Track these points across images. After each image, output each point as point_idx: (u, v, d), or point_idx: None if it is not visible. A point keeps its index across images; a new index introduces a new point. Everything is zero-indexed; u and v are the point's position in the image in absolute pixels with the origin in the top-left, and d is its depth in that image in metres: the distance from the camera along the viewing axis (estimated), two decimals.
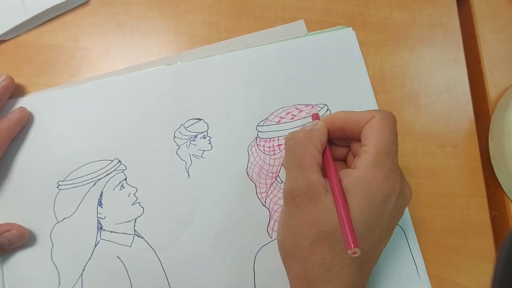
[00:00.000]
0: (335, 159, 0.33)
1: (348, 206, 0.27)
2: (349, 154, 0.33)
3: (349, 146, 0.33)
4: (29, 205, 0.34)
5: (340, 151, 0.33)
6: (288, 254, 0.29)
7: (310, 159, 0.29)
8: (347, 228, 0.26)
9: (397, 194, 0.28)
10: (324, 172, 0.30)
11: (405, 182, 0.30)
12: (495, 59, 0.42)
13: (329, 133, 0.32)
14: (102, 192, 0.35)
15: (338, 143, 0.33)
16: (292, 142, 0.31)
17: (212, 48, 0.39)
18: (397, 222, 0.30)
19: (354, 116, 0.31)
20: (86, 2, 0.40)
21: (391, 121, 0.30)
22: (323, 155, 0.31)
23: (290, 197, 0.29)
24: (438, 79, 0.41)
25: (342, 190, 0.28)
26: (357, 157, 0.29)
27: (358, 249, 0.25)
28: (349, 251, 0.25)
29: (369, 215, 0.27)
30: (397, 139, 0.30)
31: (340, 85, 0.39)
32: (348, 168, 0.30)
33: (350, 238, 0.25)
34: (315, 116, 0.35)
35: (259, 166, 0.36)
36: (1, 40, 0.38)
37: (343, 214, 0.26)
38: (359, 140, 0.30)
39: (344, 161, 0.34)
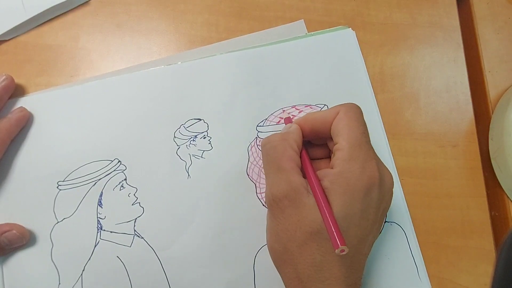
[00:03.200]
0: (317, 158, 0.33)
1: (330, 205, 0.27)
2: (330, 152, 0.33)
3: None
4: (29, 205, 0.34)
5: (322, 150, 0.33)
6: (279, 260, 0.29)
7: (288, 161, 0.29)
8: (332, 227, 0.26)
9: (377, 184, 0.28)
10: (304, 173, 0.30)
11: (384, 169, 0.30)
12: (495, 59, 0.42)
13: (303, 135, 0.32)
14: (102, 192, 0.35)
15: (318, 142, 0.33)
16: (269, 147, 0.31)
17: (212, 48, 0.39)
18: (385, 211, 0.30)
19: (321, 116, 0.31)
20: (86, 2, 0.40)
21: (356, 113, 0.30)
22: (300, 157, 0.30)
23: (273, 202, 0.29)
24: (438, 79, 0.41)
25: (322, 189, 0.28)
26: (332, 155, 0.30)
27: (346, 247, 0.25)
28: (336, 250, 0.25)
29: (352, 209, 0.27)
30: (366, 129, 0.30)
31: (340, 85, 0.39)
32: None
33: (336, 236, 0.25)
34: (288, 120, 0.34)
35: (259, 166, 0.36)
36: (1, 40, 0.38)
37: (326, 213, 0.26)
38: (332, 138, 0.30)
39: (328, 158, 0.33)
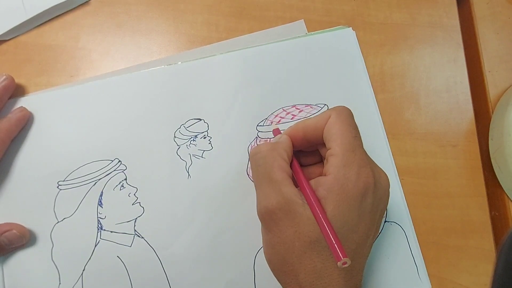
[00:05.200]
0: (308, 165, 0.33)
1: (327, 214, 0.27)
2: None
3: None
4: (29, 205, 0.34)
5: (312, 157, 0.33)
6: (278, 271, 0.29)
7: (279, 172, 0.28)
8: (332, 240, 0.25)
9: (372, 188, 0.28)
10: (296, 183, 0.29)
11: (379, 172, 0.29)
12: (495, 59, 0.42)
13: (294, 146, 0.31)
14: (102, 192, 0.35)
15: (308, 149, 0.33)
16: (258, 157, 0.30)
17: (212, 48, 0.39)
18: (382, 212, 0.30)
19: (312, 123, 0.30)
20: (86, 2, 0.40)
21: (347, 117, 0.29)
22: (291, 167, 0.30)
23: (266, 215, 0.28)
24: (438, 79, 0.41)
25: (318, 199, 0.27)
26: (325, 162, 0.29)
27: (348, 259, 0.24)
28: (338, 263, 0.25)
29: (349, 216, 0.27)
30: (358, 133, 0.29)
31: (340, 85, 0.39)
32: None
33: (337, 249, 0.25)
34: (276, 131, 0.34)
35: None
36: (1, 40, 0.38)
37: (326, 226, 0.26)
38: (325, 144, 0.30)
39: (319, 163, 0.33)
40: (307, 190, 0.28)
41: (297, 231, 0.27)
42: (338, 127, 0.29)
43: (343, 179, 0.27)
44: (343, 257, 0.24)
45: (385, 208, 0.30)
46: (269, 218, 0.28)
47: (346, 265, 0.24)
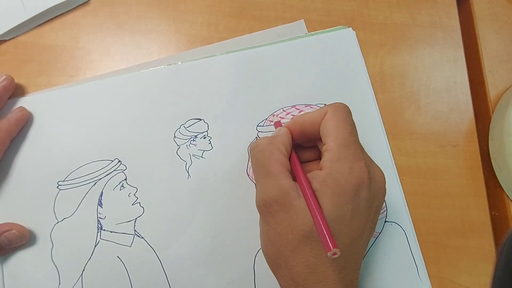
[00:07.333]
0: (308, 161, 0.33)
1: (321, 207, 0.27)
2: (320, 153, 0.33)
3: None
4: (29, 205, 0.34)
5: (312, 152, 0.33)
6: (273, 263, 0.29)
7: (277, 165, 0.29)
8: (323, 230, 0.25)
9: (367, 183, 0.28)
10: (294, 176, 0.30)
11: (374, 168, 0.29)
12: (495, 59, 0.42)
13: (293, 139, 0.31)
14: (102, 192, 0.35)
15: (308, 144, 0.33)
16: (256, 151, 0.30)
17: (212, 48, 0.39)
18: (378, 209, 0.30)
19: (309, 118, 0.31)
20: (86, 2, 0.40)
21: (344, 113, 0.30)
22: (290, 160, 0.30)
23: (264, 207, 0.28)
24: (438, 79, 0.41)
25: (313, 192, 0.27)
26: (322, 157, 0.29)
27: (337, 250, 0.25)
28: (328, 253, 0.25)
29: (342, 211, 0.27)
30: (355, 129, 0.30)
31: (340, 85, 0.39)
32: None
33: (328, 240, 0.25)
34: (278, 124, 0.34)
35: None
36: (1, 40, 0.38)
37: (318, 216, 0.26)
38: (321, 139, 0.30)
39: (319, 160, 0.33)
40: (303, 181, 0.28)
41: (291, 224, 0.27)
42: (333, 123, 0.29)
43: (336, 173, 0.27)
44: (333, 248, 0.25)
45: (381, 205, 0.30)
46: (266, 210, 0.28)
47: (336, 256, 0.25)
